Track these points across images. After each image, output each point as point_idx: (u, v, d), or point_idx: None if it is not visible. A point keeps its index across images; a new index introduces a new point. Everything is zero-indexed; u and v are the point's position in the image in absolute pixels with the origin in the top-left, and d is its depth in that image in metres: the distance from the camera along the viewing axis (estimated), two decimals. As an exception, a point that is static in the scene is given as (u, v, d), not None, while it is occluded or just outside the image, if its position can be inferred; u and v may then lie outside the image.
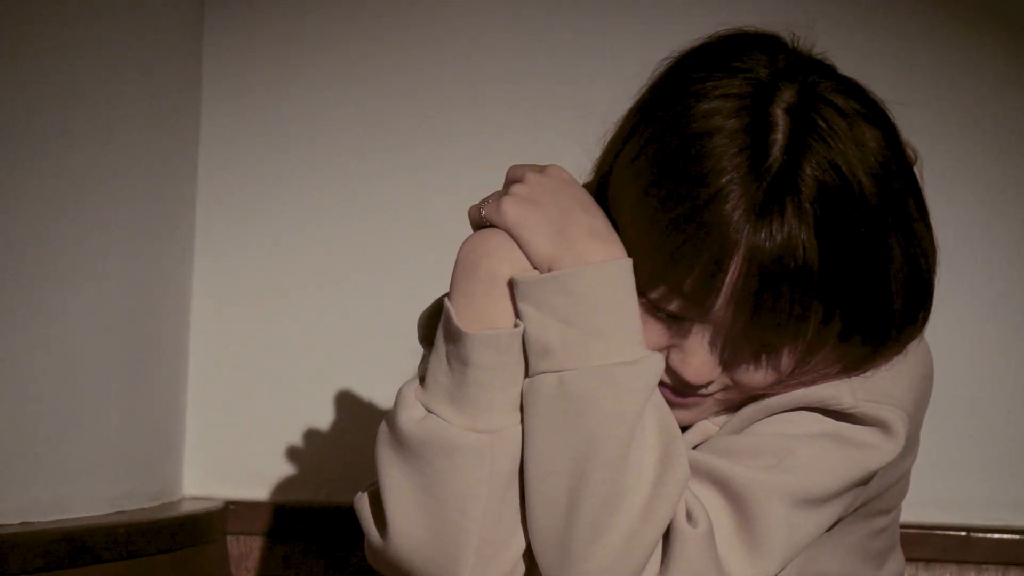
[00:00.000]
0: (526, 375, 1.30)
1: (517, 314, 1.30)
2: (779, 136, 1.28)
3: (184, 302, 2.23)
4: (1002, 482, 2.15)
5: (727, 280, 1.28)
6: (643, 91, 1.39)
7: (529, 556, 1.31)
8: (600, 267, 1.28)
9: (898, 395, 1.36)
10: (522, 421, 1.30)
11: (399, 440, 1.30)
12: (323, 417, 2.23)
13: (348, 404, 2.23)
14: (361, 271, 2.24)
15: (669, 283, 1.30)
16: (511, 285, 1.29)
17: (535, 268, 1.30)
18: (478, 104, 2.23)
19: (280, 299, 2.24)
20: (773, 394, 1.36)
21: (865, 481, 1.37)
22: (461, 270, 1.32)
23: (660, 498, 1.26)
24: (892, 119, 1.35)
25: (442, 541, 1.29)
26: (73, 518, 1.87)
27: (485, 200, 1.35)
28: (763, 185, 1.26)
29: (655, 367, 1.29)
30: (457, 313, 1.30)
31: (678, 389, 1.35)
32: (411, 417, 1.30)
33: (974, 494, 2.15)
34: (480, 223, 1.34)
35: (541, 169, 1.35)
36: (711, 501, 1.31)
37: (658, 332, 1.33)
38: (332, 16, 2.25)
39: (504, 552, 1.30)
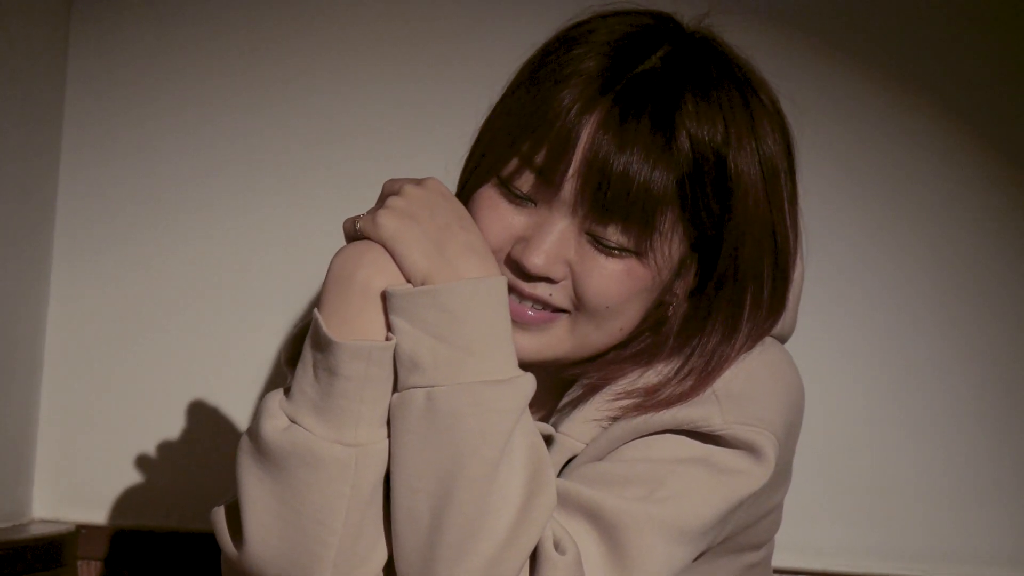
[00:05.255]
0: (395, 390, 1.28)
1: (389, 327, 1.28)
2: (663, 53, 1.34)
3: (39, 322, 2.19)
4: (864, 528, 2.16)
5: (577, 154, 1.31)
6: None
7: (390, 571, 1.29)
8: (474, 283, 1.27)
9: (769, 419, 1.36)
10: (389, 435, 1.28)
11: (261, 450, 1.28)
12: (179, 442, 2.20)
13: (205, 429, 2.20)
14: (222, 291, 2.20)
15: (523, 152, 1.32)
16: (384, 297, 1.28)
17: (410, 282, 1.28)
18: (356, 113, 2.19)
19: (138, 322, 2.21)
20: (637, 390, 1.37)
21: (735, 508, 1.36)
22: (334, 281, 1.29)
23: (526, 522, 1.25)
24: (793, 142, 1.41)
25: (299, 553, 1.27)
26: (-77, 538, 1.84)
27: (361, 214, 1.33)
28: (628, 75, 1.32)
29: (526, 387, 1.27)
30: (327, 323, 1.27)
31: (519, 287, 1.35)
32: (275, 427, 1.28)
33: (835, 540, 2.17)
34: (355, 236, 1.32)
35: (419, 182, 1.33)
36: (581, 532, 1.29)
37: (509, 222, 1.35)
38: (199, 26, 2.21)
39: (362, 567, 1.28)
